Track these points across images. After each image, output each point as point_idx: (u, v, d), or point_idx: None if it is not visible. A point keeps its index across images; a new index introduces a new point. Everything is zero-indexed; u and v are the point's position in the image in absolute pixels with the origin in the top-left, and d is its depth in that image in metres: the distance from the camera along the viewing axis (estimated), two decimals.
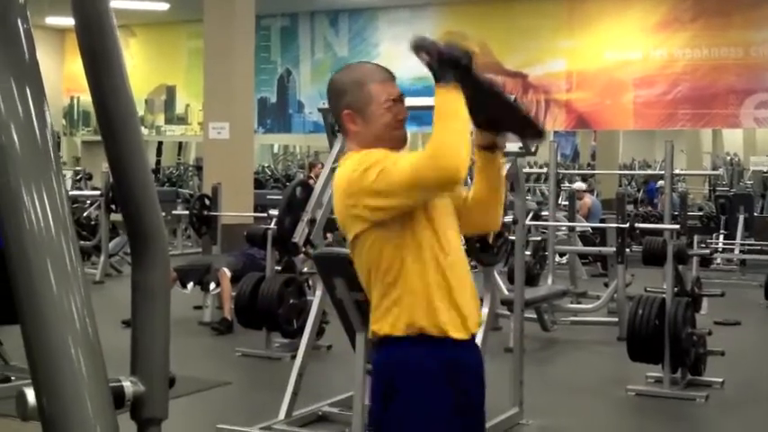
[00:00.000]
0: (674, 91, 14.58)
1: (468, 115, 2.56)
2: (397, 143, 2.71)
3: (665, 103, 14.68)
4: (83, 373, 1.03)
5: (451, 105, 2.54)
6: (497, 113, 2.83)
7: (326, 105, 6.88)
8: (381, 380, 2.72)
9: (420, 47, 2.64)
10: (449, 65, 2.61)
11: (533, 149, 6.06)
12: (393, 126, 2.69)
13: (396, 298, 2.62)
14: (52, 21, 18.02)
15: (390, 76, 2.75)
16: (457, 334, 2.64)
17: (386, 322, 2.65)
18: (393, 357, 2.67)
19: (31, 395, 1.06)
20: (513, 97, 2.85)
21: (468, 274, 2.75)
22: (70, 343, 1.03)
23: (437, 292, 2.62)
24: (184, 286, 9.10)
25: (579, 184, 14.23)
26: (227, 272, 8.96)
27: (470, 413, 2.74)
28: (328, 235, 8.82)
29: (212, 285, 9.07)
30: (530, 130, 3.02)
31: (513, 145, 5.99)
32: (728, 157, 24.57)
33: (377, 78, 2.72)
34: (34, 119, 1.08)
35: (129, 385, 1.22)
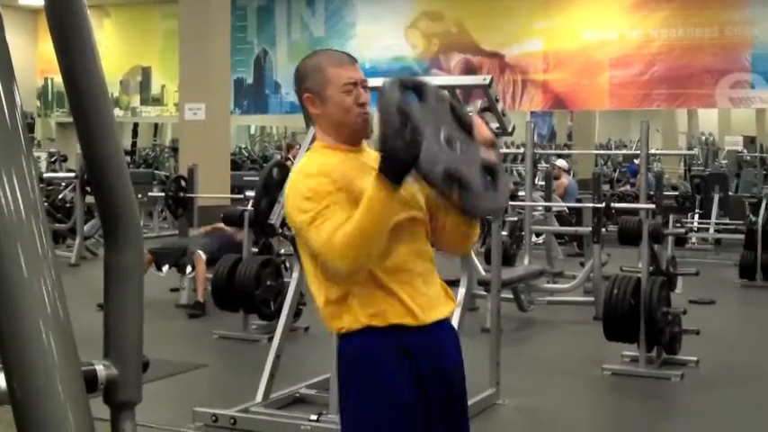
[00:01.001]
0: (649, 71, 14.63)
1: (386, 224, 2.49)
2: (358, 128, 2.71)
3: (641, 84, 14.73)
4: (54, 356, 1.02)
5: (380, 209, 2.46)
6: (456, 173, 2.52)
7: None
8: (340, 374, 2.76)
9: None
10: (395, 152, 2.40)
11: (511, 130, 6.08)
12: (352, 110, 2.67)
13: (337, 294, 2.65)
14: (24, 1, 17.88)
15: (351, 60, 2.75)
16: (405, 321, 2.64)
17: (334, 320, 2.68)
18: (346, 353, 2.70)
19: (1, 379, 1.05)
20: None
21: (424, 263, 2.72)
22: (41, 327, 1.02)
23: (378, 284, 2.63)
24: (159, 269, 9.07)
25: (561, 162, 14.28)
26: (201, 255, 8.93)
27: (439, 394, 2.71)
28: None
29: (188, 269, 9.04)
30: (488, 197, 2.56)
31: (490, 125, 6.00)
32: (703, 137, 24.72)
33: (335, 62, 2.72)
34: (3, 100, 1.06)
35: (101, 369, 1.21)
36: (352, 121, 2.68)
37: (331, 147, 2.72)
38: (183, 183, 9.93)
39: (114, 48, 17.95)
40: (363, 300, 2.62)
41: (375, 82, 2.75)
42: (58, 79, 19.67)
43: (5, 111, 1.06)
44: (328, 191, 2.58)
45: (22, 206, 1.04)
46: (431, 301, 2.70)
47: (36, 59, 19.21)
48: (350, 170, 2.65)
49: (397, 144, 2.34)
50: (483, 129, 2.63)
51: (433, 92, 2.54)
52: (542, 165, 15.23)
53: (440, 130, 2.45)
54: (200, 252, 8.95)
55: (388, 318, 2.62)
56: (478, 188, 2.47)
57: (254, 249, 8.38)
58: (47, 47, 18.81)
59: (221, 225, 9.27)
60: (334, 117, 2.68)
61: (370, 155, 2.70)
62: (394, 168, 2.40)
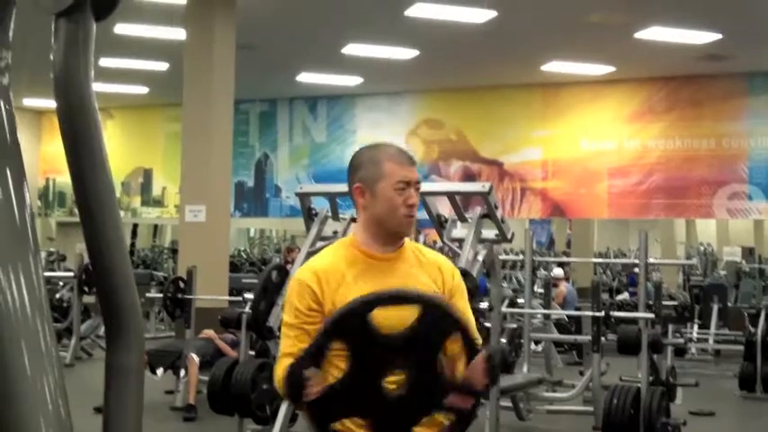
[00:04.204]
0: (647, 181, 14.75)
1: None
2: (401, 228, 2.67)
3: (640, 193, 14.83)
4: None
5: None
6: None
7: (304, 189, 6.92)
8: None
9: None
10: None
11: (510, 237, 6.10)
12: (399, 209, 2.63)
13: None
14: (30, 102, 18.12)
15: (410, 160, 2.70)
16: None
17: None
18: None
19: None
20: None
21: None
22: (42, 423, 1.01)
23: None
24: (154, 372, 9.01)
25: (558, 271, 14.28)
26: (195, 357, 8.89)
27: None
28: None
29: (182, 372, 8.99)
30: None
31: (489, 232, 6.03)
32: (702, 247, 24.74)
33: (395, 159, 2.67)
34: (14, 200, 1.08)
35: None
36: (396, 220, 2.64)
37: (358, 247, 2.68)
38: (181, 284, 9.92)
39: (117, 149, 18.12)
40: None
41: None
42: (60, 179, 19.86)
43: (15, 210, 1.08)
44: (301, 311, 2.62)
45: (27, 303, 1.04)
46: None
47: (39, 160, 19.40)
48: (355, 279, 2.62)
49: (287, 377, 2.51)
50: (474, 374, 2.48)
51: (433, 313, 2.44)
52: (541, 272, 15.24)
53: (381, 365, 2.43)
54: (192, 355, 8.91)
55: None
56: None
57: (252, 353, 8.33)
58: (50, 147, 19.04)
59: (211, 333, 9.30)
60: (380, 213, 2.64)
61: (404, 258, 2.69)
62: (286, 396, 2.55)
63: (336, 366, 2.52)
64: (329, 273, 2.64)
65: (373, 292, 2.48)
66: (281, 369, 2.55)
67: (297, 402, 2.50)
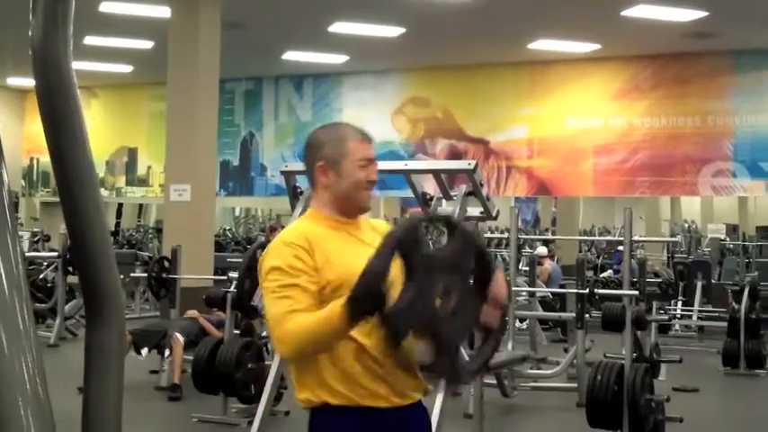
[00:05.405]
0: (632, 159, 14.77)
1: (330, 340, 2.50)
2: (362, 203, 2.76)
3: (625, 171, 14.85)
4: None
5: (335, 331, 2.44)
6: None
7: (289, 168, 6.90)
8: None
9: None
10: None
11: (495, 215, 6.10)
12: (363, 186, 2.73)
13: (309, 362, 2.63)
14: (13, 81, 18.01)
15: (369, 138, 2.81)
16: (371, 402, 2.61)
17: (303, 391, 2.67)
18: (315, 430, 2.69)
19: None
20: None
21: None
22: (20, 404, 1.01)
23: (347, 358, 2.59)
24: (139, 352, 9.00)
25: (541, 249, 14.31)
26: (179, 337, 8.89)
27: None
28: None
29: (167, 351, 8.99)
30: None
31: (474, 210, 6.03)
32: (686, 225, 24.85)
33: (357, 137, 2.76)
34: None
35: None
36: (359, 196, 2.73)
37: (324, 217, 2.74)
38: (166, 264, 9.90)
39: (101, 128, 18.03)
40: (330, 372, 2.61)
41: None
42: (44, 159, 19.76)
43: None
44: (299, 268, 2.59)
45: (5, 282, 1.03)
46: (398, 382, 2.66)
47: (22, 139, 19.29)
48: (335, 242, 2.67)
49: (361, 293, 2.33)
50: (499, 288, 2.58)
51: (461, 235, 2.54)
52: (526, 250, 15.27)
53: (435, 283, 2.39)
54: (177, 335, 8.91)
55: (351, 398, 2.61)
56: (449, 353, 2.46)
57: (237, 332, 8.33)
58: (33, 127, 18.92)
59: (195, 313, 9.31)
60: (343, 190, 2.72)
61: (362, 226, 2.78)
62: (353, 314, 2.37)
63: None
64: (316, 234, 2.67)
65: (426, 213, 2.55)
66: (293, 324, 2.47)
67: (366, 316, 2.39)
